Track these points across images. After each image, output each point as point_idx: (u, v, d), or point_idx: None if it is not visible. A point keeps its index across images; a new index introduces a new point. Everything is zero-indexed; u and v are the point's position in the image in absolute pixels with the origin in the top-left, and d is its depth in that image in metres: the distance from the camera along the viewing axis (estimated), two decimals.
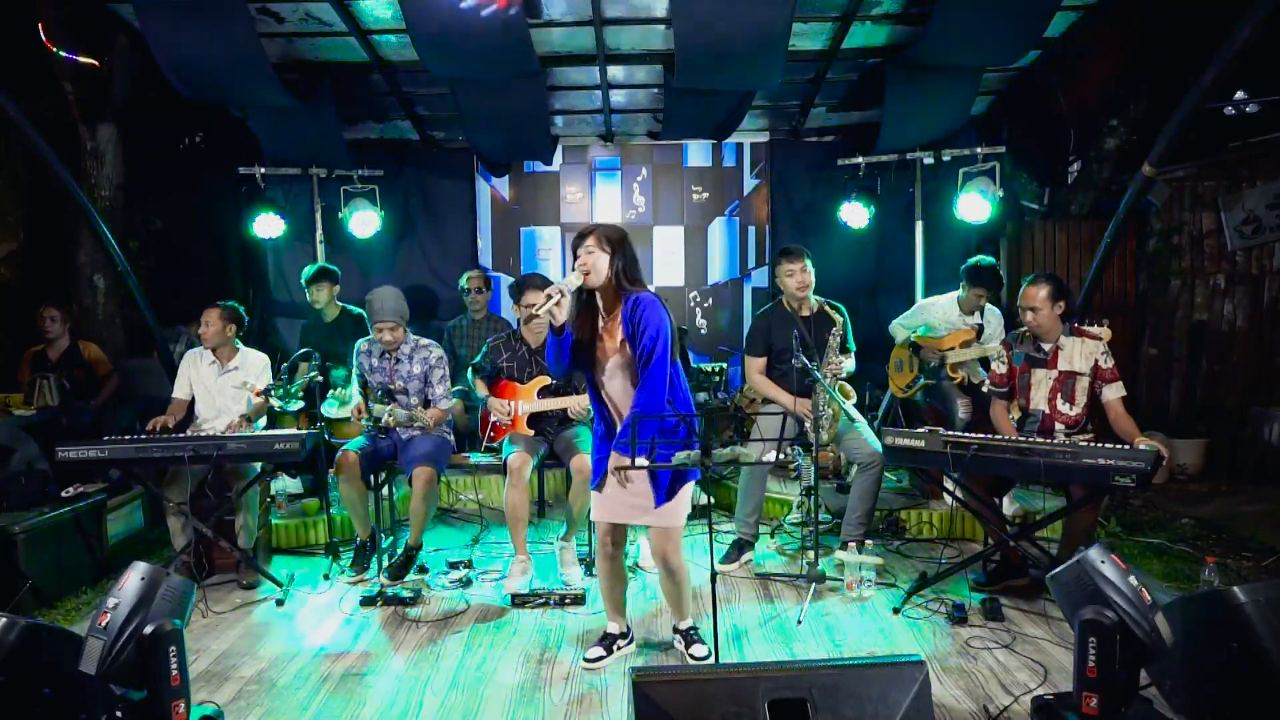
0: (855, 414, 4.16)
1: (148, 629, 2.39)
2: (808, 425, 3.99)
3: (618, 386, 2.97)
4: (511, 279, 6.80)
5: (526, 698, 2.95)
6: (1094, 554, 2.44)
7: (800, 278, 4.16)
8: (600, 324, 2.97)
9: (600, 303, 2.97)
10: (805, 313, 4.23)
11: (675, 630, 3.29)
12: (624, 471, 2.87)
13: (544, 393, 4.19)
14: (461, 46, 4.51)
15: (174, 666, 2.42)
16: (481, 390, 4.31)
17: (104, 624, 2.37)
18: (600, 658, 3.18)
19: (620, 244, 2.90)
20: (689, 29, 4.31)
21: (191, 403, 4.45)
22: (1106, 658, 2.32)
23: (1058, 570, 2.53)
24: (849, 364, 4.25)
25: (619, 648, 3.25)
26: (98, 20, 5.62)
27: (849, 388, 4.16)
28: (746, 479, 4.26)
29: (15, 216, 6.23)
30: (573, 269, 2.89)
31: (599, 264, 2.87)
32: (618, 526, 3.10)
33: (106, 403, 5.39)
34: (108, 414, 5.39)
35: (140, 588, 2.44)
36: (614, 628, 3.27)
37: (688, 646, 3.21)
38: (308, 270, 5.53)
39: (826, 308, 4.22)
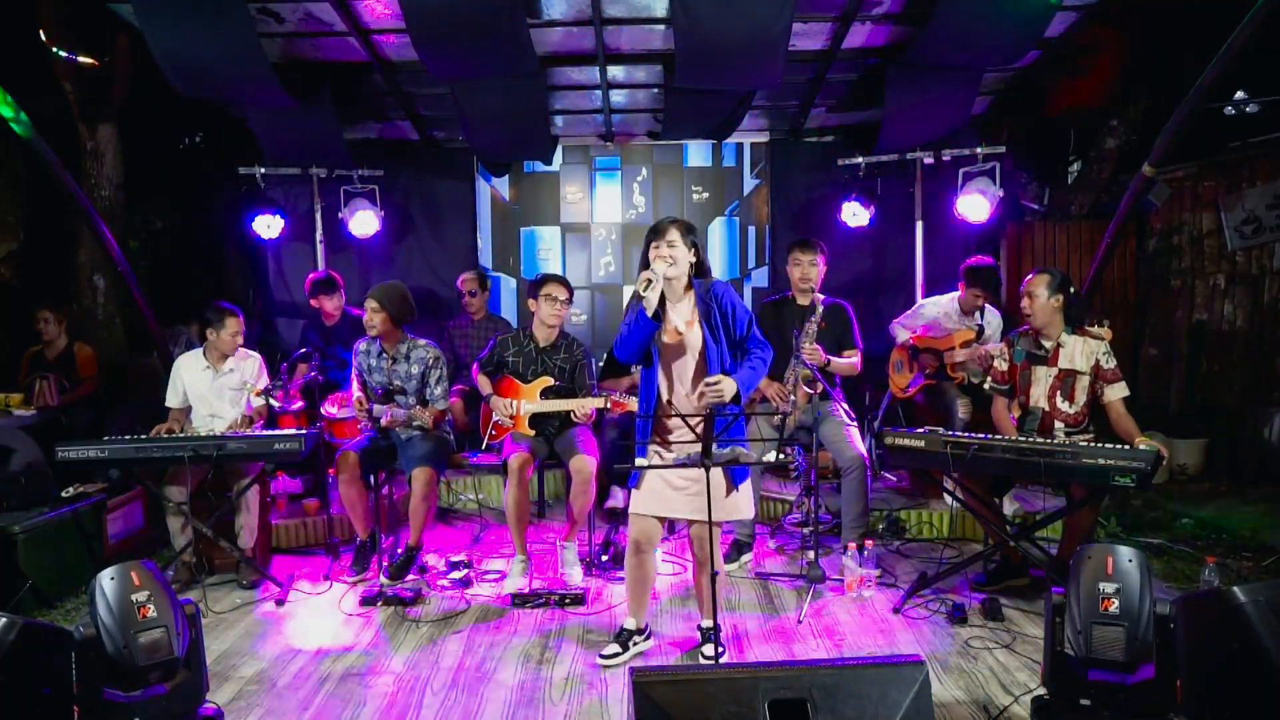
0: (845, 417, 4.17)
1: (189, 608, 2.51)
2: (779, 410, 4.03)
3: (680, 370, 3.02)
4: (513, 280, 6.83)
5: (526, 698, 2.95)
6: (1107, 549, 2.46)
7: (804, 270, 4.17)
8: (666, 310, 3.03)
9: (666, 292, 3.01)
10: (804, 301, 4.24)
11: (700, 629, 3.31)
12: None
13: (547, 393, 4.19)
14: (461, 46, 4.51)
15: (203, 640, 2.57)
16: (486, 388, 4.31)
17: (150, 616, 2.39)
18: (616, 654, 3.18)
19: (695, 236, 3.04)
20: (689, 29, 4.31)
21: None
22: (1050, 634, 2.48)
23: (1081, 548, 2.57)
24: (846, 359, 4.24)
25: (635, 644, 3.24)
26: (98, 20, 5.62)
27: (819, 383, 4.12)
28: None
29: (15, 216, 6.23)
30: (657, 260, 2.95)
31: (680, 255, 2.97)
32: (658, 521, 3.11)
33: (75, 404, 5.35)
34: (109, 414, 5.39)
35: (151, 580, 2.49)
36: (632, 623, 3.26)
37: (702, 644, 3.20)
38: (312, 280, 5.52)
39: (822, 302, 4.23)
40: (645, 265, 2.99)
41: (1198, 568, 3.85)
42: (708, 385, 2.88)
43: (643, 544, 3.13)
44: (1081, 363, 3.70)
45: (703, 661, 3.14)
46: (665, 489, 3.04)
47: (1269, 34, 3.75)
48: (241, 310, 4.36)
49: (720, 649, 3.11)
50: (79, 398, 5.36)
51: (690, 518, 3.06)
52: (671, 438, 3.07)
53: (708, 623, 3.22)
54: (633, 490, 3.10)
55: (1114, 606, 2.37)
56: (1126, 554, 2.46)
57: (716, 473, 2.93)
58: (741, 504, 3.08)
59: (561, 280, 4.23)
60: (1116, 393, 3.66)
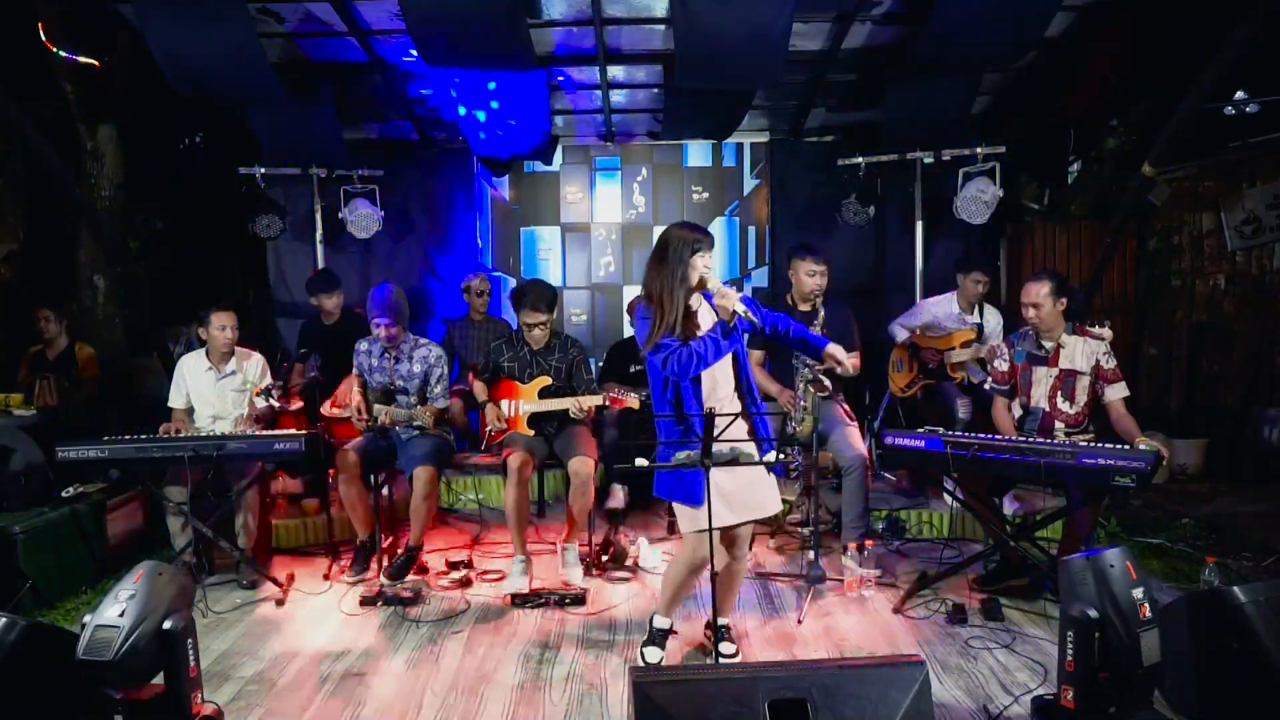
0: (846, 417, 4.17)
1: (168, 623, 2.44)
2: (792, 416, 4.01)
3: (721, 369, 2.96)
4: (512, 280, 6.83)
5: (526, 698, 2.95)
6: (1110, 555, 2.44)
7: (818, 280, 4.15)
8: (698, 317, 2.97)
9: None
10: (805, 308, 4.23)
11: (713, 627, 3.23)
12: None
13: (545, 393, 4.19)
14: (461, 47, 4.51)
15: (192, 658, 2.50)
16: (481, 395, 4.30)
17: (119, 613, 2.38)
18: (661, 659, 3.17)
19: None
20: (689, 29, 4.31)
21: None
22: (1083, 654, 2.37)
23: (1071, 557, 2.53)
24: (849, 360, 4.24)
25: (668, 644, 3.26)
26: (98, 20, 5.62)
27: (826, 381, 4.08)
28: None
29: (15, 216, 6.23)
30: (708, 271, 2.89)
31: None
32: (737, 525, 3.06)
33: (75, 404, 5.34)
34: (109, 414, 5.38)
35: (154, 583, 2.47)
36: (665, 622, 3.21)
37: (718, 643, 3.14)
38: (311, 279, 5.52)
39: (827, 304, 4.22)
40: (675, 267, 2.84)
41: (1198, 568, 3.85)
42: (831, 357, 2.97)
43: (731, 549, 3.08)
44: (1082, 363, 3.70)
45: (722, 660, 3.11)
46: (738, 493, 2.95)
47: (1269, 34, 3.75)
48: (233, 306, 4.35)
49: (733, 646, 3.17)
50: (79, 398, 5.35)
51: (752, 518, 3.03)
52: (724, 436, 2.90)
53: (725, 619, 3.24)
54: (693, 506, 2.89)
55: (1149, 610, 2.38)
56: (1127, 554, 2.47)
57: (761, 471, 2.97)
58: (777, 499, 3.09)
59: (539, 304, 4.07)
60: (1117, 393, 3.66)
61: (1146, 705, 2.45)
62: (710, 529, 2.70)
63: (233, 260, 7.01)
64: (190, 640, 2.49)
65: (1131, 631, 2.33)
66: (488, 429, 4.24)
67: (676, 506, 2.99)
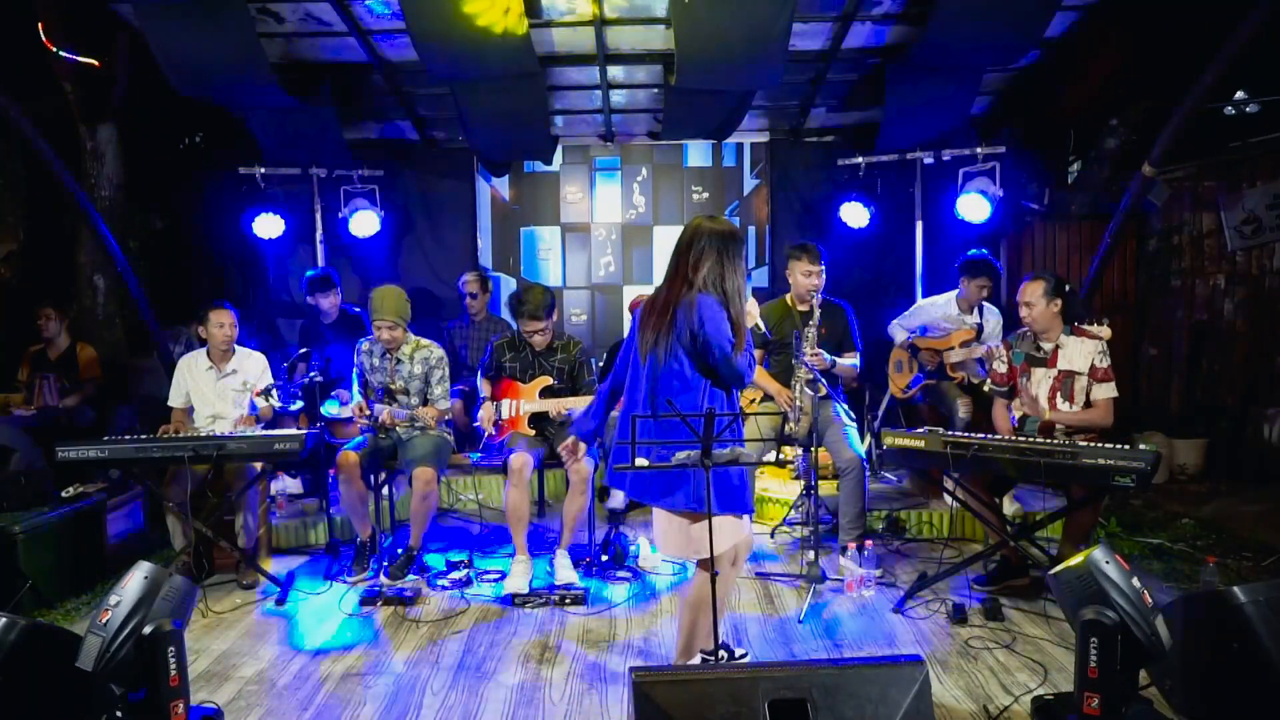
0: (845, 417, 4.17)
1: (147, 629, 2.39)
2: (789, 416, 4.01)
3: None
4: (513, 280, 6.83)
5: (526, 698, 2.95)
6: (1099, 554, 2.44)
7: (814, 280, 4.15)
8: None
9: None
10: (803, 308, 4.23)
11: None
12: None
13: (545, 393, 4.19)
14: (461, 47, 4.51)
15: (173, 667, 2.43)
16: (485, 390, 4.31)
17: (104, 621, 2.37)
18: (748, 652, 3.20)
19: None
20: (689, 29, 4.31)
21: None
22: (1108, 658, 2.34)
23: (1060, 568, 2.52)
24: (847, 361, 4.24)
25: None
26: (98, 20, 5.62)
27: (822, 382, 4.05)
28: None
29: (15, 216, 6.23)
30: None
31: None
32: None
33: (78, 405, 5.34)
34: (109, 414, 5.39)
35: (143, 587, 2.44)
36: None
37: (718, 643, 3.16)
38: (309, 277, 5.52)
39: (826, 304, 4.22)
40: (739, 272, 2.75)
41: (1198, 568, 3.85)
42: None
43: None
44: (1080, 363, 3.71)
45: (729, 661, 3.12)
46: None
47: (1269, 34, 3.75)
48: (231, 305, 4.35)
49: (733, 649, 3.13)
50: (80, 398, 5.36)
51: None
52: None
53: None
54: (745, 514, 2.83)
55: (1149, 597, 2.39)
56: (1111, 548, 2.49)
57: None
58: None
59: (538, 312, 4.07)
60: (1104, 392, 3.69)
61: (1138, 698, 2.45)
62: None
63: (233, 260, 7.00)
64: (172, 648, 2.41)
65: (1149, 622, 2.33)
66: (488, 424, 4.24)
67: (713, 522, 2.57)
